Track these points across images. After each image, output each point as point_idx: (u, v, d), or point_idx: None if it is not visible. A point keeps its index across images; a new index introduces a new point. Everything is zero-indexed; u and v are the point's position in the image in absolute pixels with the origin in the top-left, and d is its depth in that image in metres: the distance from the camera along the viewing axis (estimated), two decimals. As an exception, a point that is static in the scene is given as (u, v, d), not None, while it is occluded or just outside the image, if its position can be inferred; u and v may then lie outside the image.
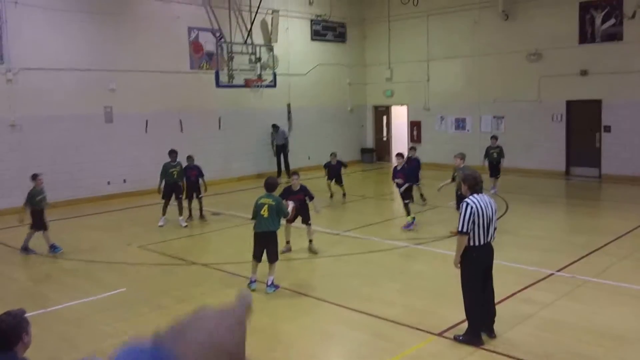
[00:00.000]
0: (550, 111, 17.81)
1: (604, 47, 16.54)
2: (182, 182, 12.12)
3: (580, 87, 17.10)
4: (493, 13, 18.60)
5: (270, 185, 7.99)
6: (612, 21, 16.30)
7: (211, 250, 10.21)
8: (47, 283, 8.55)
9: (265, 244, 7.78)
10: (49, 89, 14.13)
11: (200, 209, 12.47)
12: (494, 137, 15.04)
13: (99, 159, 15.13)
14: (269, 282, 7.70)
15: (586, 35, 16.84)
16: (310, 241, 9.63)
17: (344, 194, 14.43)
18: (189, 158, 12.51)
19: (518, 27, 18.26)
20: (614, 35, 16.33)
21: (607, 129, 16.75)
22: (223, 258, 9.46)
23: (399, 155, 11.68)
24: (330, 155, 14.68)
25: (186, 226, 11.84)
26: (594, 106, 16.91)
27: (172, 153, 12.19)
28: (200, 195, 12.38)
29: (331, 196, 14.39)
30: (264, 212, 7.70)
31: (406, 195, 11.21)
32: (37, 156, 13.93)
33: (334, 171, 14.45)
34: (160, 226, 11.79)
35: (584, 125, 17.30)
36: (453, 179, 10.57)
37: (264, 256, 7.80)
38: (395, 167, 11.56)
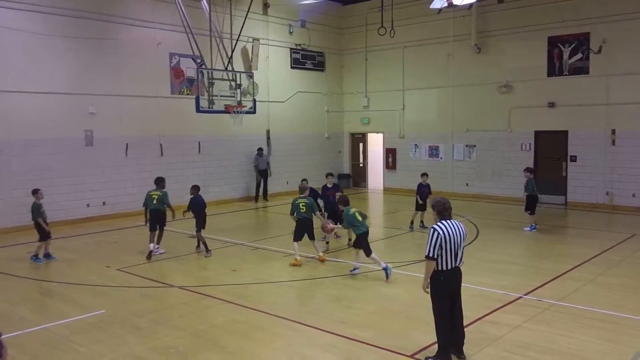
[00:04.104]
0: (519, 141, 18.46)
1: (571, 80, 17.27)
2: (163, 209, 11.36)
3: (548, 118, 17.79)
4: (466, 46, 19.34)
5: None
6: (579, 56, 17.05)
7: (188, 273, 10.26)
8: (24, 304, 8.49)
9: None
10: (30, 113, 14.18)
11: (202, 244, 11.63)
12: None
13: (78, 181, 15.15)
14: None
15: (554, 69, 17.58)
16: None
17: None
18: (193, 188, 11.74)
19: (490, 60, 19.00)
20: (580, 69, 17.07)
21: (573, 158, 17.43)
22: (200, 281, 9.56)
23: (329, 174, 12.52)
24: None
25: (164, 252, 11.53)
26: (561, 136, 17.60)
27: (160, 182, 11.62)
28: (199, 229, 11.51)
29: None
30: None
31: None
32: (17, 178, 13.92)
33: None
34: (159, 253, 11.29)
35: (551, 154, 17.96)
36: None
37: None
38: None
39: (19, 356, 6.33)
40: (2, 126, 13.76)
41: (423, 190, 13.80)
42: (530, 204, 13.69)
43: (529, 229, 13.62)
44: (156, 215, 11.34)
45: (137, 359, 6.35)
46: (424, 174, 14.26)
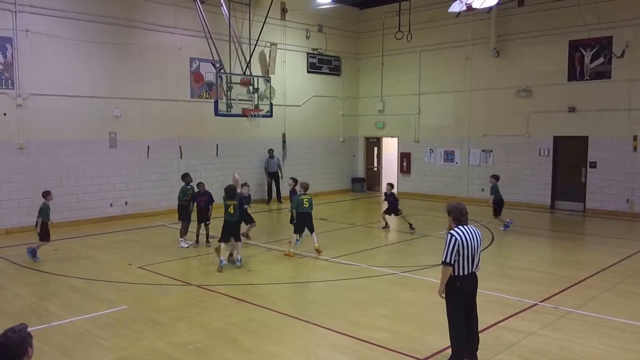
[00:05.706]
0: (537, 146, 18.31)
1: (593, 85, 17.05)
2: (180, 202, 12.74)
3: (568, 123, 17.60)
4: (484, 50, 19.25)
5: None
6: (601, 60, 16.80)
7: (206, 273, 10.43)
8: (51, 299, 8.76)
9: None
10: (57, 114, 14.63)
11: (207, 236, 12.65)
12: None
13: (102, 182, 15.60)
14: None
15: (575, 73, 17.36)
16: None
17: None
18: (200, 184, 12.74)
19: (509, 63, 18.86)
20: (602, 74, 16.83)
21: (593, 164, 17.22)
22: (217, 280, 9.72)
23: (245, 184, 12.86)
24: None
25: (188, 247, 12.36)
26: (581, 142, 17.39)
27: (187, 176, 13.03)
28: (207, 222, 12.56)
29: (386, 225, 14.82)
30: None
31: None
32: (44, 178, 14.34)
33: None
34: (186, 247, 12.35)
35: (570, 160, 17.80)
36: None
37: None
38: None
39: (45, 348, 6.55)
40: (31, 127, 14.19)
41: (387, 200, 14.69)
42: (498, 208, 14.55)
43: (504, 228, 14.31)
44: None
45: (158, 353, 6.52)
46: (389, 184, 14.96)
